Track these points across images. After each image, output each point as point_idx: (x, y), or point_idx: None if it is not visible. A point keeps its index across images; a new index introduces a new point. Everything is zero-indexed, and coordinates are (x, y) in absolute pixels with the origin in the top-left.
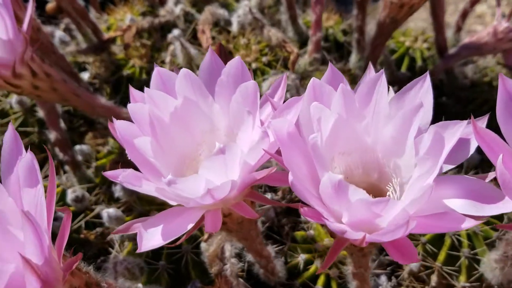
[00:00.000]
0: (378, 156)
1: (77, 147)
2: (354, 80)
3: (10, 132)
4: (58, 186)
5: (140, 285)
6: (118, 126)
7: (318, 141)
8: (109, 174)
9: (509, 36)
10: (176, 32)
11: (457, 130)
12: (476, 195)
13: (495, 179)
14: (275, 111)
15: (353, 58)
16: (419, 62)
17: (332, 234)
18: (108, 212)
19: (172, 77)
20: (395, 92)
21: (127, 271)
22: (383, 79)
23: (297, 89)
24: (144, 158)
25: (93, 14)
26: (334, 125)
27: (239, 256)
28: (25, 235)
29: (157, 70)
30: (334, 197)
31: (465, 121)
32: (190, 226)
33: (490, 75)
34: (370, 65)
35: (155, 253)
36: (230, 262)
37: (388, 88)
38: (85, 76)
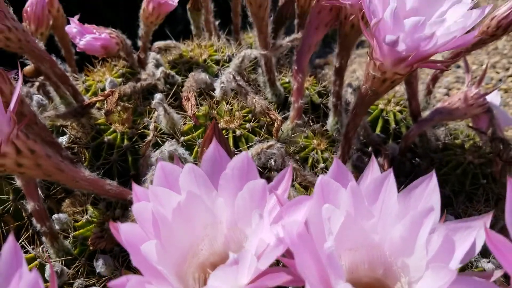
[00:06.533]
0: (386, 254)
1: (55, 216)
2: (332, 144)
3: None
4: (34, 258)
5: None
6: (123, 231)
7: (335, 250)
8: (114, 284)
9: (478, 102)
10: (158, 96)
11: (468, 235)
12: None
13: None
14: (281, 207)
15: (330, 121)
16: (392, 125)
17: None
18: None
19: (175, 171)
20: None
21: None
22: (391, 178)
23: (282, 157)
24: (149, 264)
25: (69, 72)
26: (343, 224)
27: None
28: None
29: (160, 165)
30: None
31: (476, 226)
32: None
33: (461, 138)
34: (373, 158)
35: None
36: None
37: None
38: (63, 140)
